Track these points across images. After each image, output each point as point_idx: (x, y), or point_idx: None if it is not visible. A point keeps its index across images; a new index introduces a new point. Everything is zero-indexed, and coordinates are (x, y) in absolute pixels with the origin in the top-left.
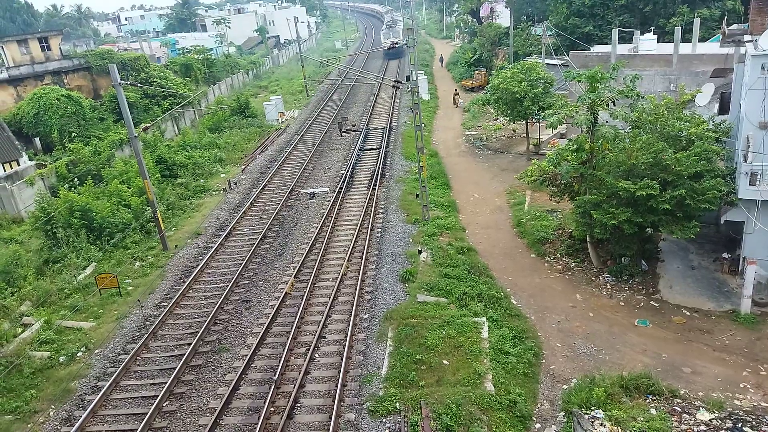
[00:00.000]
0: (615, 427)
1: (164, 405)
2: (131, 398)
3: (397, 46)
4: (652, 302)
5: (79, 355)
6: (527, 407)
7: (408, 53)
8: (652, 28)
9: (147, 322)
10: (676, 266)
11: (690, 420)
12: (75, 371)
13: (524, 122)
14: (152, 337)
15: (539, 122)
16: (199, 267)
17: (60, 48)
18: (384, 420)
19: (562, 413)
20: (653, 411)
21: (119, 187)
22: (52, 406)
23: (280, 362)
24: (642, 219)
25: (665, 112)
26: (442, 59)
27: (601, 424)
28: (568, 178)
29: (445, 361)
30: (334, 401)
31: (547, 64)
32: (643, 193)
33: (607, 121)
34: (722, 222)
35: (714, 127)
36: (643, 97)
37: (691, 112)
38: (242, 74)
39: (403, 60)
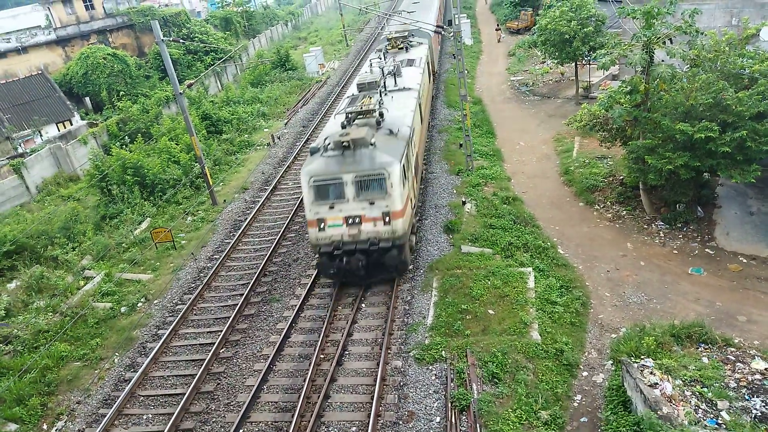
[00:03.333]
0: (665, 376)
1: (221, 351)
2: (190, 345)
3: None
4: (707, 250)
5: (139, 305)
6: (574, 356)
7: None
8: None
9: (201, 274)
10: (733, 212)
11: (744, 369)
12: (136, 321)
13: (573, 64)
14: (206, 288)
15: (590, 64)
16: (247, 221)
17: (103, 6)
18: (430, 367)
19: (610, 362)
20: (705, 360)
21: (168, 144)
22: (116, 354)
23: (327, 312)
24: (699, 163)
25: (726, 48)
26: None
27: (651, 373)
28: (621, 122)
29: (490, 311)
30: (381, 349)
31: (599, 0)
32: (702, 135)
33: (663, 60)
34: None
35: None
36: (702, 33)
37: (755, 47)
38: (281, 26)
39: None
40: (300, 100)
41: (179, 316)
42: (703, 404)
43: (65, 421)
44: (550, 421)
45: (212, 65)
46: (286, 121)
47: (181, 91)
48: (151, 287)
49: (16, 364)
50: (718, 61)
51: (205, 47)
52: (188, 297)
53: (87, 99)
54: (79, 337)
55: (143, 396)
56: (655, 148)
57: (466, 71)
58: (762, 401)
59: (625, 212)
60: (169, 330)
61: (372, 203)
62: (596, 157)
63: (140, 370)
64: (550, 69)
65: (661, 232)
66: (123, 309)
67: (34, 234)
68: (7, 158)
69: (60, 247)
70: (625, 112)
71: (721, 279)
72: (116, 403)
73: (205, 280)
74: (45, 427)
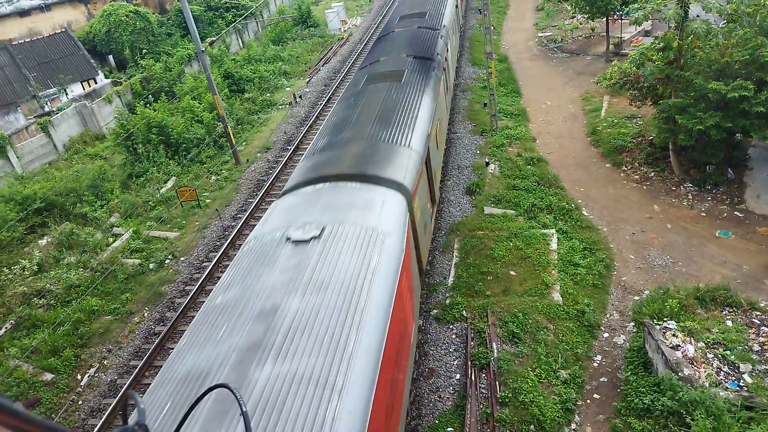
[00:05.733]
0: (688, 338)
1: None
2: None
3: None
4: (736, 213)
5: (166, 262)
6: (596, 317)
7: None
8: None
9: (226, 233)
10: (765, 174)
11: None
12: (164, 277)
13: (604, 20)
14: (231, 246)
15: (621, 19)
16: (270, 180)
17: None
18: (451, 327)
19: (632, 323)
20: (729, 323)
21: (191, 103)
22: (146, 308)
23: None
24: (732, 124)
25: (767, 2)
26: None
27: (674, 335)
28: (652, 80)
29: (511, 272)
30: None
31: None
32: (736, 94)
33: (698, 16)
34: None
35: None
36: None
37: None
38: None
39: None
40: (322, 59)
41: (205, 272)
42: (726, 367)
43: (96, 369)
44: (570, 380)
45: (233, 22)
46: (308, 79)
47: (203, 49)
48: (177, 244)
49: (50, 317)
50: (758, 16)
51: (226, 3)
52: (213, 255)
53: (110, 57)
54: (110, 292)
55: (172, 349)
56: (686, 108)
57: (492, 28)
58: None
59: (653, 174)
60: (196, 286)
61: None
62: (625, 117)
63: (169, 325)
64: (580, 24)
65: (689, 194)
66: (151, 265)
67: (63, 191)
68: (34, 116)
69: (88, 205)
70: (657, 69)
71: (749, 242)
72: (146, 355)
73: (230, 238)
74: (79, 377)
